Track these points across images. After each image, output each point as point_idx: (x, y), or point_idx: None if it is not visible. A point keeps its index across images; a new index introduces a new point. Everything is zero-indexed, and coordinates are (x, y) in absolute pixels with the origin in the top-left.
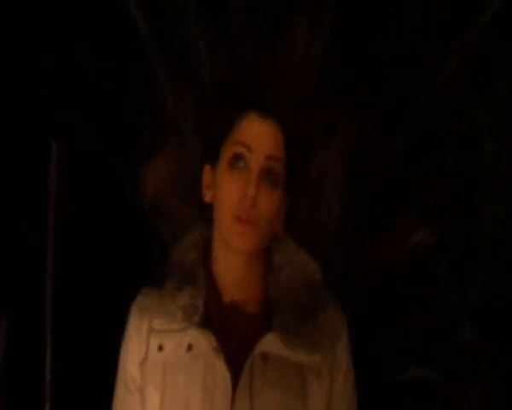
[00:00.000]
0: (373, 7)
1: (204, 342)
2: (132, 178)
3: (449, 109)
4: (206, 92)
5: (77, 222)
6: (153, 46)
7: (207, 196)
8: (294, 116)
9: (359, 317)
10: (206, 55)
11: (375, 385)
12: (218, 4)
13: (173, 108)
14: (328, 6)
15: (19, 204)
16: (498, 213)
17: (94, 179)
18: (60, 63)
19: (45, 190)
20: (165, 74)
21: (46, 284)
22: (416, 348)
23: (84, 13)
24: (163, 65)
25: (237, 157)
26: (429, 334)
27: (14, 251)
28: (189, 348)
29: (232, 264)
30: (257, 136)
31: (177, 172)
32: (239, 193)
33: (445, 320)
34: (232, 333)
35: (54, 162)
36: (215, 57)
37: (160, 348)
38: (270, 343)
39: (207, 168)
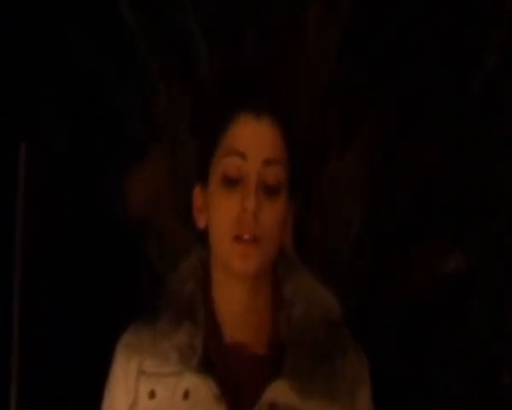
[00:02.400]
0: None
1: (203, 388)
2: (116, 188)
3: (488, 112)
4: (204, 89)
5: (48, 231)
6: (142, 35)
7: (200, 222)
8: (305, 117)
9: (378, 356)
10: (204, 46)
11: None
12: None
13: (166, 106)
14: None
15: None
16: None
17: (70, 186)
18: (34, 56)
19: (14, 195)
20: (157, 67)
21: (13, 297)
22: (446, 389)
23: (65, 5)
24: (154, 56)
25: (231, 170)
26: (462, 373)
27: None
28: (186, 395)
29: (235, 294)
30: (250, 139)
31: (170, 183)
32: (236, 209)
33: (480, 357)
34: (235, 378)
35: (22, 165)
36: (215, 49)
37: (152, 394)
38: (280, 391)
39: (197, 190)
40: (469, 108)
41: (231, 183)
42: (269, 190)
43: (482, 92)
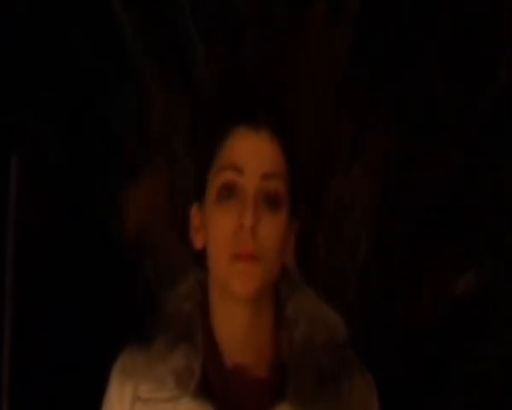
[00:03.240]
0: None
1: None
2: (111, 203)
3: (501, 125)
4: (202, 101)
5: (40, 247)
6: (138, 41)
7: (198, 242)
8: (309, 129)
9: (386, 380)
10: (202, 51)
11: None
12: None
13: (162, 117)
14: None
15: None
16: None
17: (63, 201)
18: (25, 68)
19: (5, 210)
20: (153, 77)
21: (4, 324)
22: None
23: (58, 10)
24: (150, 64)
25: (227, 185)
26: (482, 402)
27: None
28: None
29: (235, 317)
30: (247, 153)
31: (167, 198)
32: (233, 226)
33: (499, 384)
34: (236, 403)
35: (14, 178)
36: (213, 55)
37: None
38: None
39: (195, 209)
40: (482, 122)
41: (228, 198)
42: (268, 205)
43: (495, 105)
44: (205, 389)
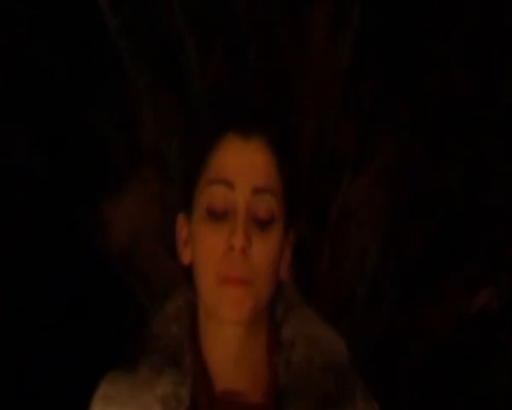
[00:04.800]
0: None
1: None
2: (95, 217)
3: None
4: (195, 107)
5: (23, 260)
6: (125, 42)
7: (185, 257)
8: (314, 135)
9: (397, 402)
10: (196, 56)
11: None
12: None
13: (152, 124)
14: None
15: None
16: None
17: (42, 213)
18: (5, 76)
19: None
20: (143, 79)
21: None
22: None
23: (39, 8)
24: (139, 66)
25: (216, 200)
26: None
27: None
28: None
29: (226, 339)
30: (238, 165)
31: (156, 210)
32: (223, 247)
33: None
34: None
35: None
36: (208, 57)
37: None
38: None
39: (182, 219)
40: (497, 132)
41: (217, 215)
42: (260, 223)
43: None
44: None
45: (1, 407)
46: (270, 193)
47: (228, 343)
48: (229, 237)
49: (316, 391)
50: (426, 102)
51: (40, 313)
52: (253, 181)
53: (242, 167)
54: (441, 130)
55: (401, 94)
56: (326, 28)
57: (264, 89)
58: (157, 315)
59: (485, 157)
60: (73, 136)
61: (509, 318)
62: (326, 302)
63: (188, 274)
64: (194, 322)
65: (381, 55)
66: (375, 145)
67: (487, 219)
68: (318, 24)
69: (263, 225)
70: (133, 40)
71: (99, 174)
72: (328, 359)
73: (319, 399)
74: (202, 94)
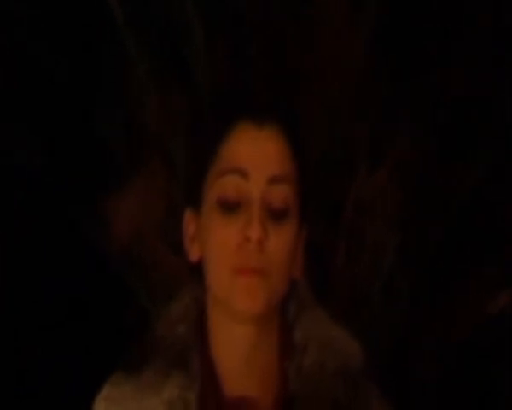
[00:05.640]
0: None
1: None
2: (95, 215)
3: None
4: (201, 95)
5: (22, 261)
6: (130, 32)
7: (193, 253)
8: (329, 126)
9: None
10: (202, 41)
11: None
12: None
13: (157, 116)
14: None
15: None
16: None
17: (42, 213)
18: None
19: None
20: (147, 71)
21: None
22: None
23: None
24: (143, 57)
25: (229, 190)
26: None
27: None
28: None
29: (237, 341)
30: (252, 154)
31: (160, 207)
32: (237, 238)
33: None
34: None
35: None
36: (215, 45)
37: None
38: None
39: (189, 215)
40: None
41: (230, 207)
42: (275, 214)
43: None
44: None
45: (1, 407)
46: (286, 182)
47: (238, 343)
48: (244, 229)
49: (328, 399)
50: (442, 95)
51: (40, 312)
52: (268, 170)
53: (256, 156)
54: (458, 123)
55: (417, 87)
56: (342, 15)
57: (275, 78)
58: (162, 316)
59: (504, 152)
60: (74, 133)
61: None
62: (341, 299)
63: (194, 272)
64: (202, 322)
65: (397, 46)
66: (390, 138)
67: (507, 217)
68: (334, 10)
69: (278, 216)
70: (138, 31)
71: (99, 172)
72: (341, 363)
73: (330, 406)
74: (209, 83)
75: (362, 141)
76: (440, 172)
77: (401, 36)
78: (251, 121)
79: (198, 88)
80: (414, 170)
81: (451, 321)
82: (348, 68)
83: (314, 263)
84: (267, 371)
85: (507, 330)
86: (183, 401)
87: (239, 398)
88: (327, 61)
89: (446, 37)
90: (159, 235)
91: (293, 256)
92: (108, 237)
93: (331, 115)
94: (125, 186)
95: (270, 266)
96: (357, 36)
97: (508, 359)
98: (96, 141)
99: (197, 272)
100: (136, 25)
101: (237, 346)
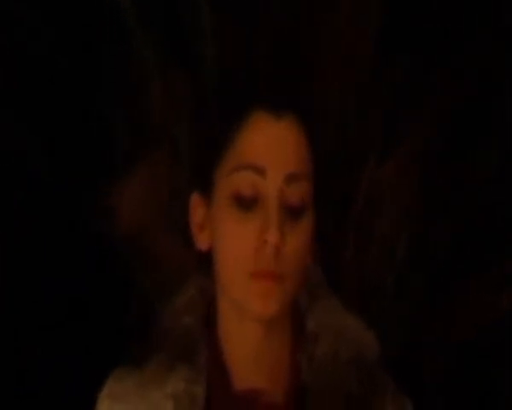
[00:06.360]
0: None
1: None
2: (98, 202)
3: None
4: (209, 80)
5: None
6: (134, 15)
7: (201, 242)
8: (338, 115)
9: (426, 406)
10: (209, 21)
11: None
12: None
13: (161, 101)
14: None
15: None
16: None
17: (41, 212)
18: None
19: None
20: (150, 52)
21: None
22: None
23: None
24: (146, 38)
25: (245, 187)
26: None
27: None
28: None
29: (246, 332)
30: (269, 148)
31: (165, 195)
32: (254, 241)
33: None
34: None
35: None
36: (223, 28)
37: None
38: None
39: (196, 199)
40: None
41: (246, 204)
42: (292, 212)
43: None
44: None
45: (1, 407)
46: (303, 179)
47: (249, 335)
48: (262, 231)
49: (341, 390)
50: (459, 83)
51: (40, 312)
52: (286, 167)
53: (273, 151)
54: (472, 112)
55: (432, 75)
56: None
57: (283, 64)
58: (166, 307)
59: None
60: (76, 121)
61: None
62: (351, 292)
63: (202, 261)
64: (209, 312)
65: (411, 34)
66: (403, 129)
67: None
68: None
69: (295, 213)
70: (143, 14)
71: (104, 157)
72: (355, 352)
73: (344, 399)
74: (216, 68)
75: (373, 131)
76: (454, 164)
77: (415, 22)
78: (267, 111)
79: (204, 73)
80: (426, 161)
81: (462, 317)
82: (359, 56)
83: (323, 256)
84: (278, 363)
85: (507, 331)
86: (189, 395)
87: (249, 391)
88: (339, 47)
89: (461, 23)
90: (164, 224)
91: (309, 248)
92: (112, 227)
93: (341, 105)
94: (128, 174)
95: (286, 268)
96: (370, 21)
97: (508, 359)
98: (99, 127)
99: (205, 261)
100: (140, 8)
101: (247, 338)
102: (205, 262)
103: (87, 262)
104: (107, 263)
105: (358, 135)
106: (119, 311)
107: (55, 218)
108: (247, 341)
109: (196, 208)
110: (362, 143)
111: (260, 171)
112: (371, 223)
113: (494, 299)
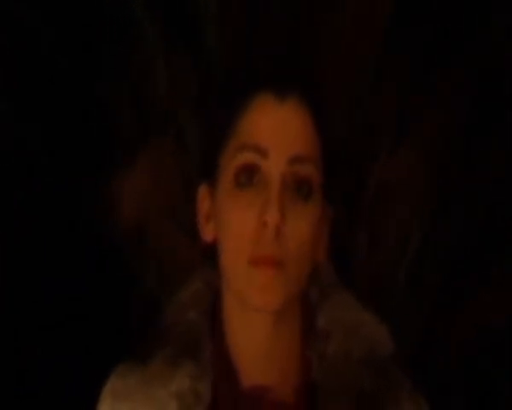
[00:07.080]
0: None
1: None
2: (99, 193)
3: None
4: (213, 62)
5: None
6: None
7: (207, 233)
8: (349, 101)
9: (442, 405)
10: (213, 9)
11: None
12: None
13: (165, 86)
14: None
15: None
16: None
17: (41, 212)
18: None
19: None
20: (154, 35)
21: None
22: None
23: None
24: (150, 25)
25: (246, 170)
26: None
27: None
28: None
29: (254, 327)
30: (273, 130)
31: (170, 185)
32: (254, 223)
33: None
34: None
35: None
36: (226, 14)
37: None
38: None
39: (203, 191)
40: None
41: (247, 186)
42: (296, 196)
43: None
44: None
45: (1, 407)
46: (309, 161)
47: (256, 330)
48: (262, 212)
49: (353, 388)
50: (475, 69)
51: (40, 312)
52: (290, 149)
53: (277, 133)
54: (486, 97)
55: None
56: None
57: (291, 47)
58: (171, 302)
59: None
60: (78, 108)
61: None
62: (363, 287)
63: (208, 253)
64: (215, 306)
65: (424, 17)
66: (416, 115)
67: None
68: None
69: (299, 198)
70: (148, 0)
71: (105, 145)
72: (369, 351)
73: (357, 398)
74: (222, 51)
75: (386, 118)
76: (471, 152)
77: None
78: (272, 93)
79: (209, 56)
80: (441, 149)
81: (465, 316)
82: (370, 38)
83: (334, 250)
84: (287, 360)
85: (507, 331)
86: (194, 393)
87: (256, 388)
88: (349, 29)
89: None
90: (170, 217)
91: (316, 240)
92: (115, 220)
93: (354, 89)
94: (133, 164)
95: (288, 253)
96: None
97: (508, 359)
98: (102, 117)
99: (211, 253)
100: None
101: (255, 333)
102: (211, 255)
103: (89, 257)
104: (109, 259)
105: (370, 126)
106: (123, 307)
107: (56, 214)
108: (254, 336)
109: (203, 200)
110: (373, 134)
111: (263, 152)
112: (384, 215)
113: (494, 299)
